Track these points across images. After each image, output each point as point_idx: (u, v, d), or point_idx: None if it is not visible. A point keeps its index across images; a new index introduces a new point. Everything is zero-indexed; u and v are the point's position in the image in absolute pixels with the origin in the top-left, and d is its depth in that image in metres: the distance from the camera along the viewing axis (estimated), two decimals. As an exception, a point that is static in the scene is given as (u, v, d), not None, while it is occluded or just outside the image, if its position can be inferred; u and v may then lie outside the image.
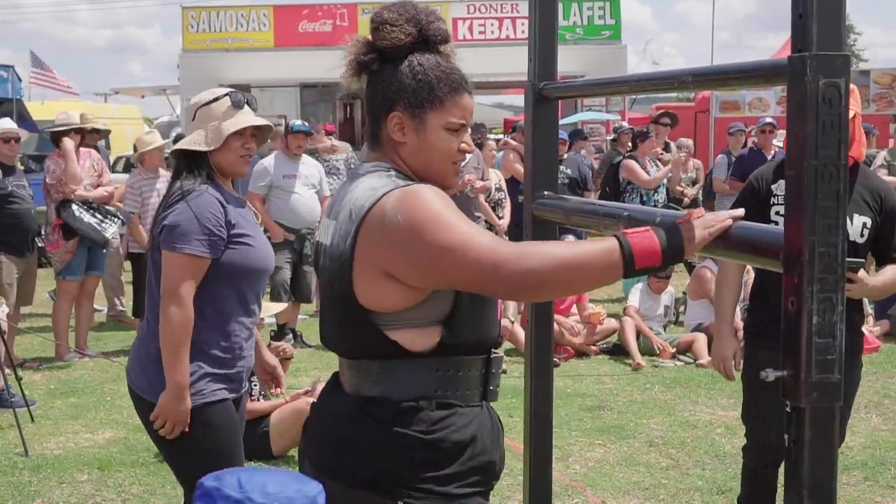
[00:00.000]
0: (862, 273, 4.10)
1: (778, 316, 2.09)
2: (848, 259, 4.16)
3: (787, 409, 2.06)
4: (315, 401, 2.79)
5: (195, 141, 3.86)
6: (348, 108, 24.74)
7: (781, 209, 2.18)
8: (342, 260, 2.46)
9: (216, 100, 3.91)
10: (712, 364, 4.52)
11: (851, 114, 4.02)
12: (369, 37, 2.57)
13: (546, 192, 3.33)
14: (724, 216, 2.36)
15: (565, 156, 12.12)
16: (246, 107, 3.93)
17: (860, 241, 4.24)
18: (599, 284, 2.46)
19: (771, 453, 4.49)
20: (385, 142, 2.57)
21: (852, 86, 4.14)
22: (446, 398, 2.51)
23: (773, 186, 4.28)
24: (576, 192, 11.51)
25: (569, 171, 11.96)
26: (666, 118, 13.80)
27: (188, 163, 3.87)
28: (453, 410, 2.51)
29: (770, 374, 2.09)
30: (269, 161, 9.98)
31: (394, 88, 2.53)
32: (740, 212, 2.39)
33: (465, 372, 2.54)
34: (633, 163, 11.47)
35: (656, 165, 11.81)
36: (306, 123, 10.65)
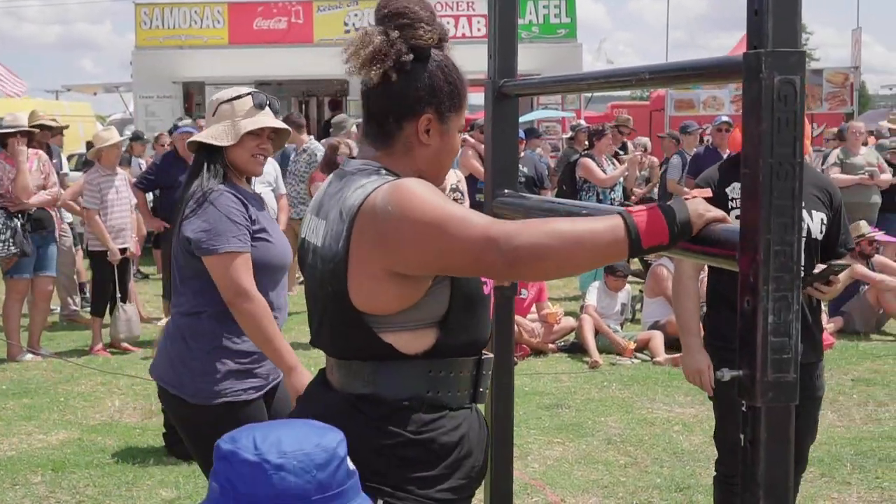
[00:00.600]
0: None
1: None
2: (836, 262, 4.17)
3: (743, 409, 2.06)
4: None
5: (213, 135, 3.94)
6: (303, 106, 24.63)
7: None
8: (336, 261, 2.41)
9: (239, 97, 4.00)
10: (688, 379, 4.40)
11: None
12: (395, 32, 2.45)
13: (506, 191, 3.32)
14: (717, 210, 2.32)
15: (522, 154, 12.11)
16: (267, 108, 4.02)
17: (820, 237, 4.25)
18: (604, 263, 2.41)
19: None
20: (401, 141, 2.50)
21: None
22: (437, 399, 2.48)
23: (727, 190, 4.23)
24: (532, 190, 11.50)
25: (525, 170, 11.96)
26: (626, 127, 14.02)
27: (206, 157, 3.95)
28: (444, 413, 2.49)
29: (726, 374, 2.08)
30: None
31: (427, 91, 2.47)
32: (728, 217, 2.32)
33: (456, 373, 2.51)
34: (589, 161, 11.48)
35: (613, 164, 11.82)
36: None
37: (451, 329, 2.46)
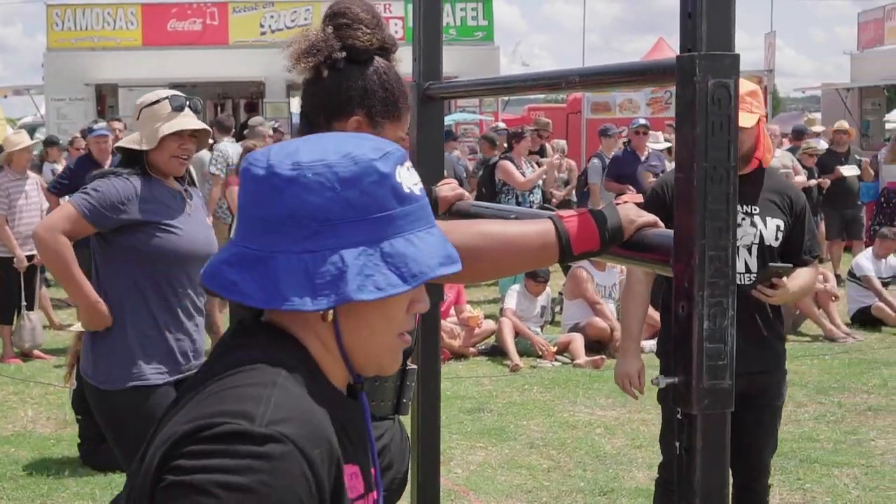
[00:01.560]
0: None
1: None
2: (777, 265, 4.14)
3: (679, 416, 2.03)
4: None
5: (134, 139, 4.12)
6: (219, 108, 24.41)
7: None
8: None
9: (158, 102, 4.15)
10: (616, 382, 4.33)
11: (756, 119, 4.01)
12: (330, 29, 2.44)
13: (430, 195, 3.28)
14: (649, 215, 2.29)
15: (442, 157, 12.06)
16: (187, 109, 4.16)
17: (775, 244, 4.19)
18: (534, 267, 2.38)
19: None
20: None
21: (756, 88, 4.17)
22: None
23: None
24: (451, 193, 11.45)
25: (444, 173, 11.94)
26: (545, 131, 14.20)
27: (128, 158, 4.15)
28: None
29: (661, 381, 2.05)
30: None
31: (359, 92, 2.44)
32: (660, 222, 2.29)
33: (381, 382, 2.47)
34: (508, 164, 11.46)
35: (532, 166, 11.84)
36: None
37: None
